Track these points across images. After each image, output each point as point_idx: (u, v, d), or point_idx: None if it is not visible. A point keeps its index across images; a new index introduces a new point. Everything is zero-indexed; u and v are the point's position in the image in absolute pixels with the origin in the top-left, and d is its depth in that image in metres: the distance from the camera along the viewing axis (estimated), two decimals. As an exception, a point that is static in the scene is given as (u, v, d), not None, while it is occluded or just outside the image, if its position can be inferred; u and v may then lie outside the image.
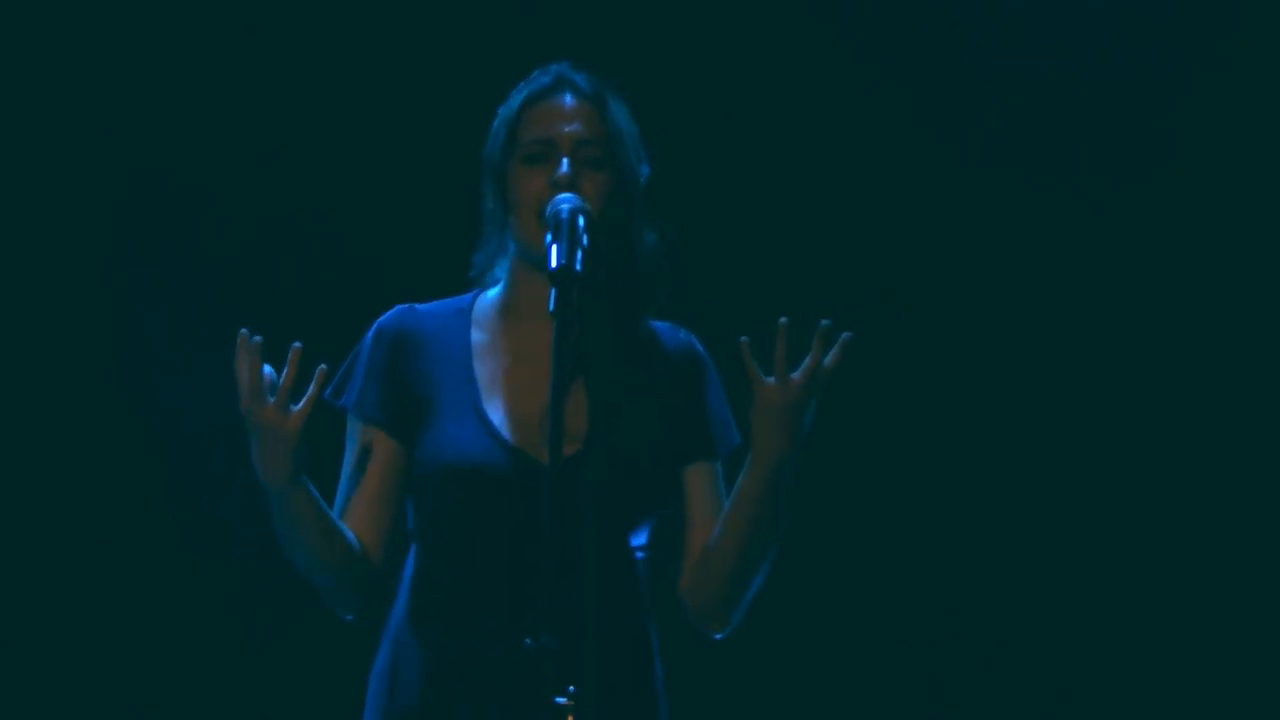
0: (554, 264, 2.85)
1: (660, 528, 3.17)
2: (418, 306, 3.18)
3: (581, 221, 2.93)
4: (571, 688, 2.70)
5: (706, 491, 3.16)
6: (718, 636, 3.19)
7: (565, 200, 2.97)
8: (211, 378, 4.89)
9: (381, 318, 3.16)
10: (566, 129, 3.06)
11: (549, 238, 2.91)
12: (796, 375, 2.93)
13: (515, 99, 3.13)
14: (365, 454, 3.10)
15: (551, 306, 2.84)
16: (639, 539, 3.13)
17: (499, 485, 3.03)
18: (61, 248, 4.89)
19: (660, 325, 3.20)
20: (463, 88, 4.76)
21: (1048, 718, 4.94)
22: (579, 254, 2.86)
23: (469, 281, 3.23)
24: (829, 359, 2.95)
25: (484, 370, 3.12)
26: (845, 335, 2.94)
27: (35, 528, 4.87)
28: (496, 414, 3.08)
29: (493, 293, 3.18)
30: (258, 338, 2.94)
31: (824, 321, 2.93)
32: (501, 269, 3.17)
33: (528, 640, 2.73)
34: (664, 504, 3.14)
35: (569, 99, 3.10)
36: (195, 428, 4.88)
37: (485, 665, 3.00)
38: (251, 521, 4.84)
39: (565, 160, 3.04)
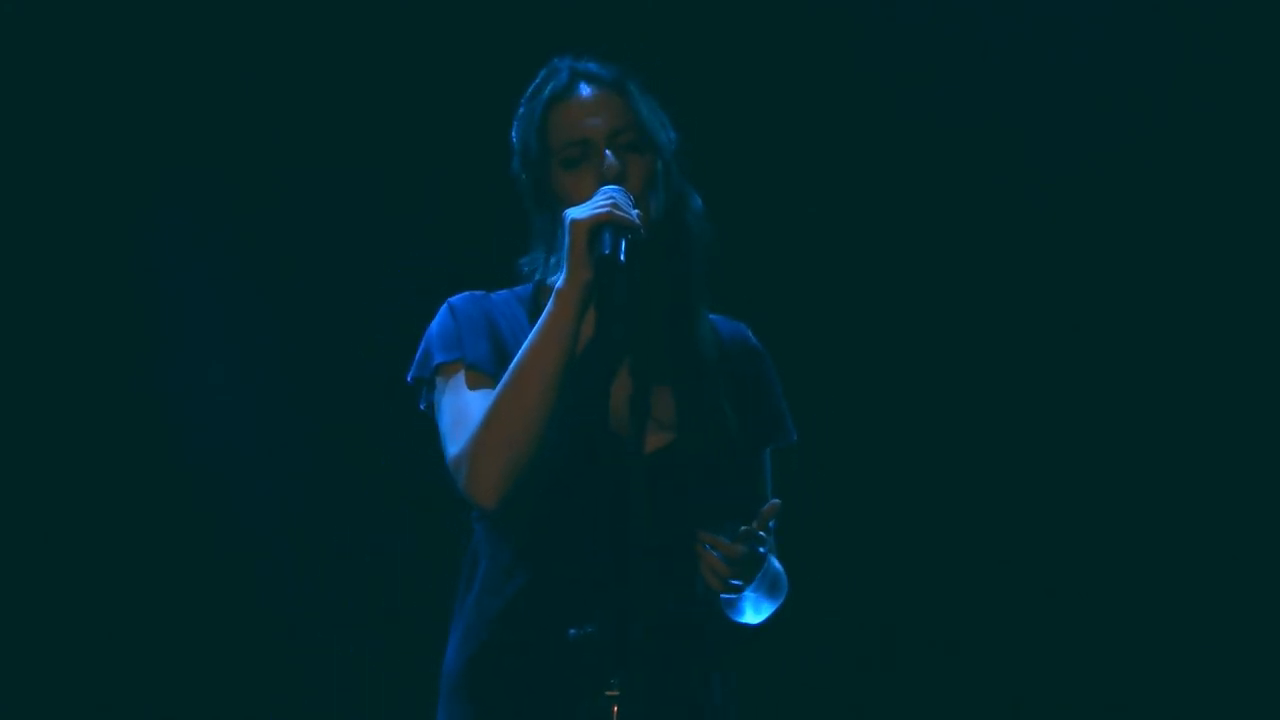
0: (596, 254, 2.85)
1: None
2: (488, 293, 3.13)
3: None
4: (614, 680, 2.69)
5: (758, 480, 3.15)
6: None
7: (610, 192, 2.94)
8: (234, 372, 4.95)
9: (454, 298, 3.11)
10: (598, 123, 3.02)
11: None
12: (734, 549, 2.86)
13: (535, 107, 3.08)
14: (485, 388, 2.99)
15: (596, 295, 2.85)
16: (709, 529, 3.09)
17: (583, 463, 2.96)
18: (90, 239, 4.92)
19: (716, 317, 3.18)
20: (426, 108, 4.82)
21: (1047, 718, 4.98)
22: (623, 244, 2.85)
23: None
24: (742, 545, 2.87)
25: None
26: (744, 529, 2.86)
27: (58, 522, 4.92)
28: (576, 397, 2.99)
29: (553, 281, 2.99)
30: None
31: (775, 499, 2.92)
32: (550, 267, 3.07)
33: (571, 631, 2.72)
34: (746, 493, 3.11)
35: (589, 92, 3.06)
36: (220, 417, 4.92)
37: (565, 651, 2.91)
38: (277, 515, 4.90)
39: (608, 151, 3.01)
